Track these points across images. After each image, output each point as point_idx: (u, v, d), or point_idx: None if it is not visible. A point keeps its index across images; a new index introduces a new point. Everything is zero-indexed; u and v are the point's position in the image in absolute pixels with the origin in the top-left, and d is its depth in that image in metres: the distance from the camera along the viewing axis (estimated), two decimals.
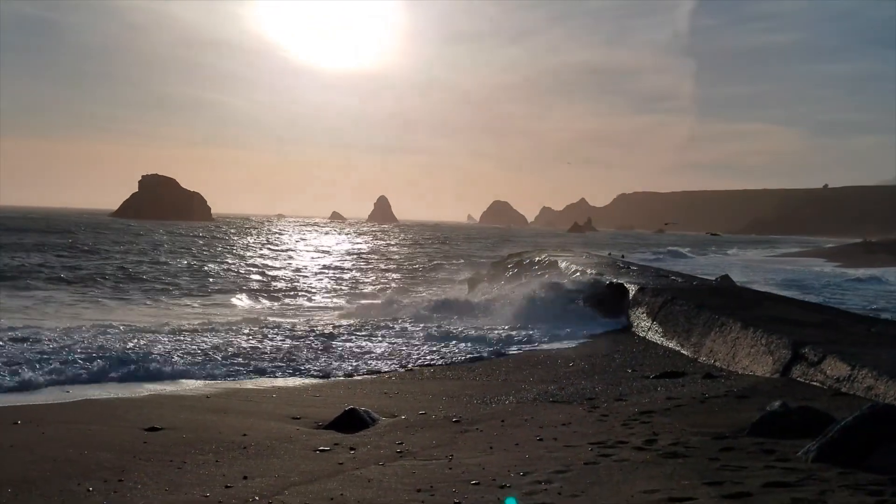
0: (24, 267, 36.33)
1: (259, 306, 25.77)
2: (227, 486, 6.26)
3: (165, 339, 14.71)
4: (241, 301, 27.05)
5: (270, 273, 39.32)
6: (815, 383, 9.07)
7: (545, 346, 14.99)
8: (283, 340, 15.22)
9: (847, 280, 40.46)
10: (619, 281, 18.84)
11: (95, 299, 26.02)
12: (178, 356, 13.00)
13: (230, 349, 13.88)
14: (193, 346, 13.90)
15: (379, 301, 23.97)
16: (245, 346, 14.41)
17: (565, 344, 15.18)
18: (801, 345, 9.89)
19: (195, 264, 41.21)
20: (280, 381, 11.98)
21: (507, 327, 16.86)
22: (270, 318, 20.53)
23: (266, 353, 13.80)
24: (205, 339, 14.89)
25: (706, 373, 10.75)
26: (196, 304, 25.83)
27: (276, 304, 26.79)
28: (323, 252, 60.26)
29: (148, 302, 25.94)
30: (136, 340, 14.27)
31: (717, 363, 11.63)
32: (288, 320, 20.03)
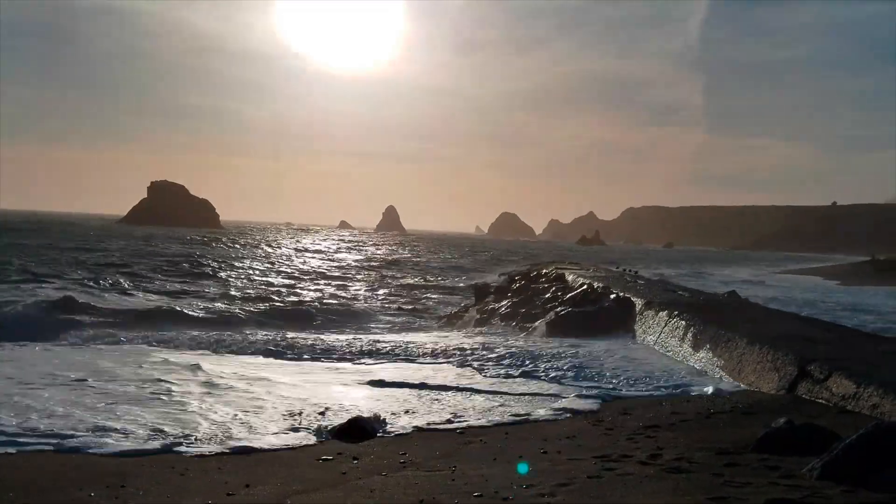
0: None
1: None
2: (229, 494, 6.27)
3: None
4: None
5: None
6: (820, 400, 9.03)
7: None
8: None
9: (852, 297, 40.31)
10: (626, 294, 18.81)
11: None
12: None
13: None
14: None
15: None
16: None
17: None
18: (807, 362, 9.85)
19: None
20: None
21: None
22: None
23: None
24: None
25: (712, 388, 10.73)
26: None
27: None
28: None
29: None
30: None
31: (723, 379, 11.59)
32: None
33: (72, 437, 8.29)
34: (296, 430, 8.87)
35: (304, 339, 17.13)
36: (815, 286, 53.88)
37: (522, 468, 6.53)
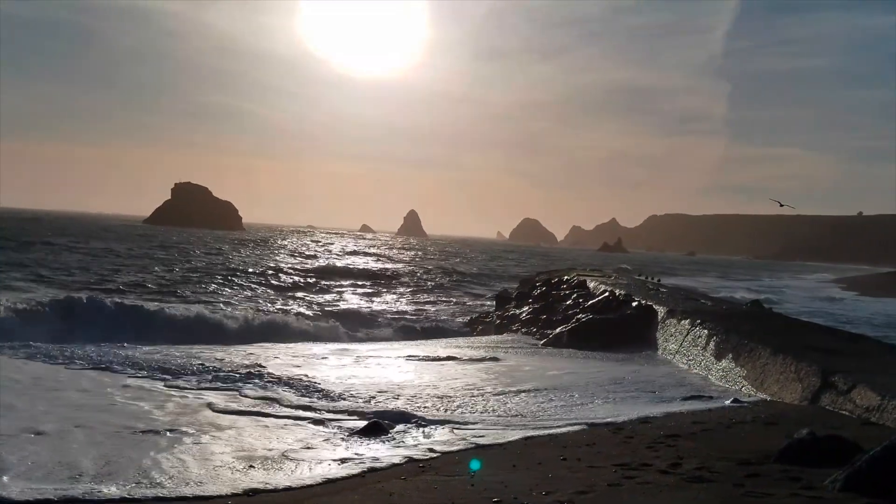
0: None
1: None
2: (249, 495, 6.31)
3: None
4: None
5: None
6: (844, 412, 8.95)
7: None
8: None
9: (877, 309, 39.94)
10: (648, 302, 18.73)
11: None
12: None
13: None
14: None
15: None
16: None
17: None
18: (830, 373, 9.77)
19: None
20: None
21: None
22: None
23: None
24: None
25: (734, 398, 10.66)
26: None
27: None
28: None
29: None
30: None
31: (745, 389, 11.52)
32: None
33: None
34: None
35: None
36: (840, 297, 53.47)
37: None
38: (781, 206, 27.10)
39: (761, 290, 55.29)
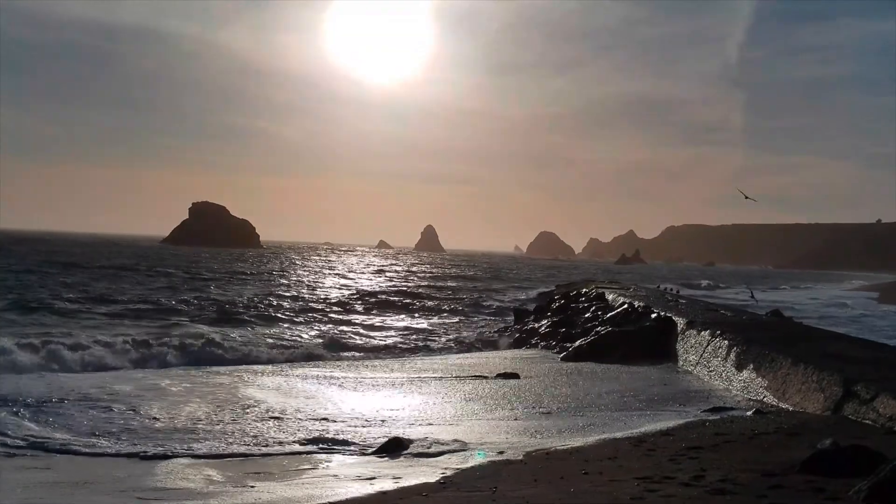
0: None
1: None
2: None
3: None
4: None
5: None
6: (867, 421, 8.88)
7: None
8: None
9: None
10: (668, 314, 18.65)
11: None
12: None
13: None
14: None
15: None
16: None
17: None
18: (852, 382, 9.69)
19: None
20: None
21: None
22: None
23: None
24: None
25: (755, 409, 10.59)
26: None
27: None
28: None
29: None
30: None
31: (767, 399, 11.44)
32: None
33: None
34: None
35: None
36: (862, 305, 53.02)
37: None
38: (746, 198, 27.56)
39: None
